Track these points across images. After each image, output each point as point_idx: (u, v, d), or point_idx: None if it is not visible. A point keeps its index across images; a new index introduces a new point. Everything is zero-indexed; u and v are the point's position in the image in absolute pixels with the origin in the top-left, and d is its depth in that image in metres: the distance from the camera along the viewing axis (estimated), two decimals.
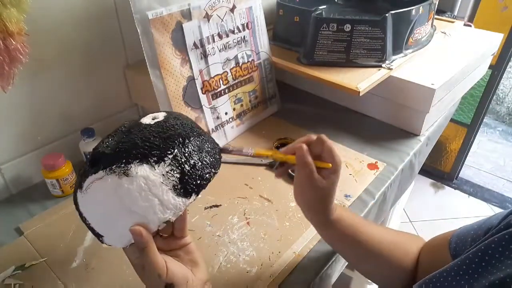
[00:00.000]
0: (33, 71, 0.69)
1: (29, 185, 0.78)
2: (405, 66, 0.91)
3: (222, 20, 0.81)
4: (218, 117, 0.85)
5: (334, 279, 0.70)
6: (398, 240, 0.54)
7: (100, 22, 0.78)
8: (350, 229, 0.52)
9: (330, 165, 0.47)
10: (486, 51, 1.05)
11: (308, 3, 1.01)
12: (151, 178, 0.40)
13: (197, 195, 0.42)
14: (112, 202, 0.40)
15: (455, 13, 1.66)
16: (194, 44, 0.77)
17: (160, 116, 0.45)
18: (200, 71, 0.79)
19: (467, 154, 2.02)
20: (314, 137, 0.48)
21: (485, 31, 1.12)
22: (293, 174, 0.78)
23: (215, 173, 0.44)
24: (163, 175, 0.40)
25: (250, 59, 0.89)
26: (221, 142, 0.87)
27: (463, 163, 2.06)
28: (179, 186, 0.41)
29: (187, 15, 0.75)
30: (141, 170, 0.40)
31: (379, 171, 0.81)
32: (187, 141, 0.43)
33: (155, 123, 0.44)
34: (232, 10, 0.82)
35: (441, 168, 2.13)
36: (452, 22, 1.18)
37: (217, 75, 0.83)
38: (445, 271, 0.39)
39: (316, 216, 0.52)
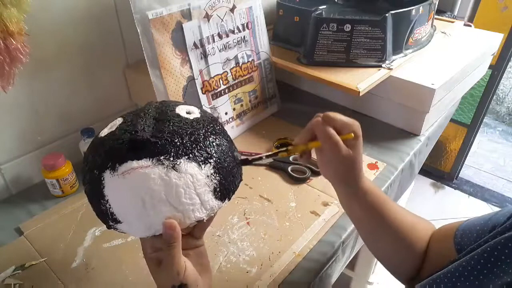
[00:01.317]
0: (33, 71, 0.69)
1: (29, 185, 0.78)
2: (405, 66, 0.91)
3: (222, 20, 0.81)
4: (218, 117, 0.85)
5: (334, 279, 0.70)
6: (417, 223, 0.53)
7: (100, 22, 0.78)
8: (377, 202, 0.51)
9: (352, 134, 0.46)
10: (486, 51, 1.05)
11: (308, 3, 1.01)
12: (198, 177, 0.41)
13: (229, 200, 0.45)
14: (153, 192, 0.39)
15: (455, 13, 1.66)
16: (194, 44, 0.77)
17: (195, 111, 0.47)
18: (200, 71, 0.79)
19: (467, 154, 2.02)
20: (319, 120, 0.47)
21: (485, 31, 1.12)
22: (293, 174, 0.78)
23: (240, 181, 0.47)
24: (207, 176, 0.42)
25: (250, 59, 0.89)
26: None
27: (463, 163, 2.06)
28: (218, 190, 0.43)
29: (187, 15, 0.75)
30: (190, 168, 0.41)
31: (379, 171, 0.81)
32: (228, 147, 0.45)
33: (194, 119, 0.45)
34: (232, 10, 0.82)
35: (441, 168, 2.13)
36: (452, 22, 1.18)
37: (217, 75, 0.83)
38: (449, 272, 0.39)
39: (346, 187, 0.51)
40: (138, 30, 0.68)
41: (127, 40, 0.84)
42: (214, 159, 0.43)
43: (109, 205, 0.41)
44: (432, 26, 1.06)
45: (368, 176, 0.79)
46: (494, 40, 1.08)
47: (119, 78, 0.87)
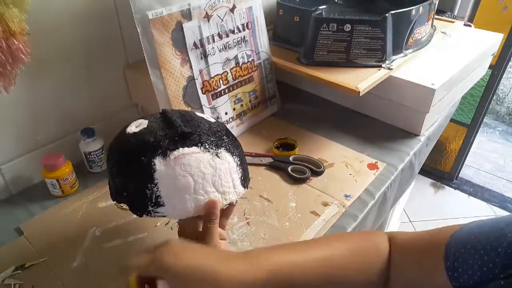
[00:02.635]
0: (33, 71, 0.69)
1: (29, 185, 0.78)
2: (405, 66, 0.91)
3: (222, 20, 0.81)
4: (218, 117, 0.85)
5: None
6: (354, 251, 0.45)
7: (101, 22, 0.78)
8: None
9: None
10: (486, 51, 1.05)
11: (308, 3, 1.01)
12: (232, 165, 0.50)
13: (246, 189, 0.54)
14: (204, 175, 0.47)
15: (455, 13, 1.66)
16: (194, 44, 0.77)
17: (210, 117, 0.57)
18: (200, 71, 0.79)
19: (467, 154, 2.02)
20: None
21: (485, 31, 1.12)
22: (293, 174, 0.78)
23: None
24: (237, 165, 0.51)
25: (250, 59, 0.89)
26: None
27: (463, 163, 2.06)
28: (243, 178, 0.53)
29: (187, 15, 0.75)
30: (228, 156, 0.50)
31: (379, 171, 0.81)
32: (241, 147, 0.56)
33: (214, 122, 0.55)
34: (232, 10, 0.82)
35: (441, 168, 2.13)
36: (452, 22, 1.18)
37: (217, 75, 0.83)
38: None
39: None
40: (138, 30, 0.68)
41: (127, 40, 0.84)
42: (239, 151, 0.53)
43: (157, 188, 0.46)
44: (432, 26, 1.06)
45: (368, 176, 0.79)
46: (494, 40, 1.08)
47: (119, 78, 0.87)
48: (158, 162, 0.46)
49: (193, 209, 0.47)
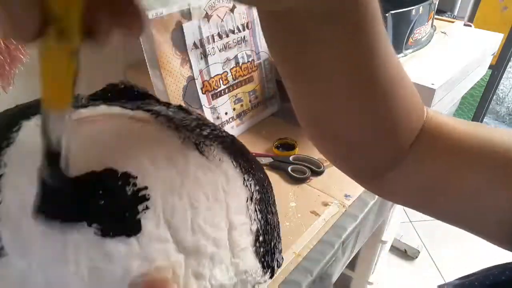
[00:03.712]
0: (33, 71, 0.69)
1: None
2: (405, 66, 0.91)
3: (222, 20, 0.81)
4: (218, 117, 0.85)
5: (334, 279, 0.70)
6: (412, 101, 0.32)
7: None
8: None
9: None
10: (486, 51, 1.05)
11: None
12: (240, 196, 0.28)
13: (269, 278, 0.35)
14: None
15: (455, 13, 1.66)
16: (194, 44, 0.77)
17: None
18: (200, 71, 0.79)
19: None
20: None
21: (485, 31, 1.12)
22: (293, 174, 0.78)
23: None
24: (253, 203, 0.30)
25: (250, 59, 0.89)
26: None
27: None
28: (265, 242, 0.30)
29: (187, 15, 0.75)
30: (228, 168, 0.28)
31: None
32: (269, 183, 0.40)
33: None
34: (232, 10, 0.82)
35: None
36: (452, 22, 1.18)
37: (217, 75, 0.83)
38: None
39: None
40: None
41: (127, 40, 0.84)
42: (261, 183, 0.35)
43: None
44: (432, 26, 1.06)
45: None
46: (494, 40, 1.08)
47: (119, 78, 0.87)
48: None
49: None
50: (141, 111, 0.24)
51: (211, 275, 0.20)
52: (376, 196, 0.75)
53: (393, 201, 0.41)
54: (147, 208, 0.19)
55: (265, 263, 0.24)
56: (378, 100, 0.28)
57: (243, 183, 0.25)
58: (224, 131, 0.30)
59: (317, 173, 0.79)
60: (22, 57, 0.59)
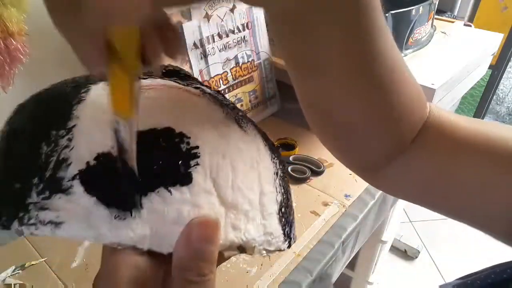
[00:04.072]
0: (33, 71, 0.69)
1: None
2: None
3: (222, 20, 0.81)
4: None
5: (334, 279, 0.70)
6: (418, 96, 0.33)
7: None
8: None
9: None
10: (486, 51, 1.05)
11: None
12: (267, 163, 0.31)
13: (287, 246, 0.33)
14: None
15: (455, 13, 1.67)
16: (194, 44, 0.77)
17: None
18: (200, 71, 0.79)
19: None
20: None
21: (485, 31, 1.12)
22: (293, 174, 0.78)
23: None
24: (277, 175, 0.32)
25: (250, 59, 0.89)
26: None
27: None
28: (284, 210, 0.30)
29: (187, 15, 0.75)
30: (259, 141, 0.31)
31: None
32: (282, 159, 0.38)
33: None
34: (232, 10, 0.82)
35: None
36: (452, 22, 1.18)
37: (217, 75, 0.83)
38: None
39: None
40: None
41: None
42: (280, 159, 0.33)
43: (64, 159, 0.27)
44: (432, 26, 1.06)
45: None
46: (494, 40, 1.08)
47: None
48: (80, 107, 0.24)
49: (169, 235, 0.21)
50: (191, 87, 0.28)
51: (245, 229, 0.24)
52: (376, 196, 0.75)
53: (392, 194, 0.41)
54: (197, 164, 0.23)
55: (285, 232, 0.27)
56: (377, 91, 0.29)
57: (271, 159, 0.28)
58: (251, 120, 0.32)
59: (317, 173, 0.79)
60: (22, 57, 0.59)
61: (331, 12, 0.23)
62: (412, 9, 0.88)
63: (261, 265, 0.60)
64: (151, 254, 0.21)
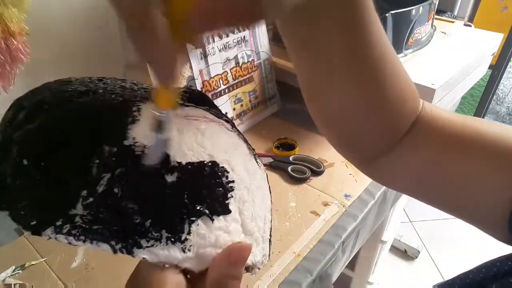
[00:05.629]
0: (33, 71, 0.69)
1: None
2: (405, 66, 0.91)
3: None
4: None
5: (334, 279, 0.71)
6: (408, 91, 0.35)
7: (100, 22, 0.78)
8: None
9: None
10: (486, 51, 1.05)
11: None
12: (267, 193, 0.34)
13: (266, 261, 0.35)
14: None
15: (455, 13, 1.67)
16: None
17: None
18: (200, 71, 0.79)
19: None
20: None
21: (485, 31, 1.12)
22: (293, 174, 0.78)
23: None
24: (270, 200, 0.36)
25: (250, 59, 0.89)
26: None
27: None
28: (271, 232, 0.35)
29: None
30: (262, 173, 0.35)
31: None
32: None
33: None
34: None
35: None
36: (452, 22, 1.18)
37: (217, 75, 0.83)
38: None
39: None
40: None
41: (127, 40, 0.84)
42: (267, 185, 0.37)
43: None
44: (432, 26, 1.06)
45: None
46: (494, 40, 1.08)
47: (119, 78, 0.87)
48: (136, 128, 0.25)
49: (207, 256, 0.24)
50: (223, 119, 0.31)
51: (255, 253, 0.27)
52: (376, 196, 0.75)
53: (386, 185, 0.43)
54: (232, 196, 0.26)
55: (270, 250, 0.31)
56: (370, 79, 0.31)
57: (269, 190, 0.32)
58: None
59: (317, 173, 0.79)
60: (22, 57, 0.59)
61: (331, 9, 0.27)
62: (412, 9, 0.88)
63: None
64: (183, 271, 0.24)
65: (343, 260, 0.72)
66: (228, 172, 0.26)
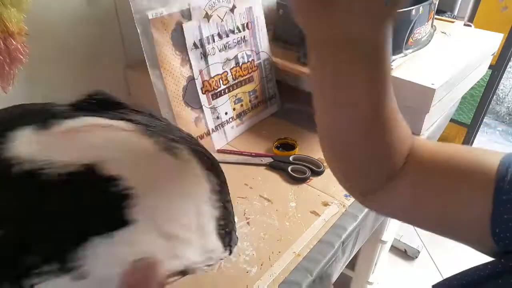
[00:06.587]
0: (33, 71, 0.69)
1: None
2: (405, 66, 0.91)
3: (222, 20, 0.81)
4: (218, 117, 0.85)
5: (334, 279, 0.71)
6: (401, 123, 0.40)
7: (100, 22, 0.78)
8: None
9: None
10: (486, 51, 1.05)
11: None
12: (203, 188, 0.34)
13: (229, 253, 0.36)
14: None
15: (455, 13, 1.66)
16: (194, 44, 0.77)
17: None
18: (200, 71, 0.79)
19: None
20: None
21: (485, 31, 1.12)
22: (293, 174, 0.78)
23: None
24: (215, 194, 0.35)
25: (250, 59, 0.89)
26: (221, 142, 0.87)
27: None
28: (224, 226, 0.35)
29: (187, 15, 0.75)
30: (195, 166, 0.33)
31: None
32: (225, 178, 0.40)
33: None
34: (232, 10, 0.82)
35: None
36: (452, 22, 1.18)
37: (217, 75, 0.83)
38: None
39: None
40: (138, 30, 0.68)
41: (127, 40, 0.84)
42: (220, 177, 0.37)
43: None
44: (432, 26, 1.05)
45: None
46: (494, 40, 1.08)
47: (119, 78, 0.87)
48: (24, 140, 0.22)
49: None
50: (123, 121, 0.28)
51: (185, 256, 0.25)
52: None
53: (380, 214, 0.49)
54: (131, 205, 0.23)
55: (225, 242, 0.29)
56: (381, 128, 0.36)
57: (207, 177, 0.29)
58: (189, 135, 0.33)
59: (317, 173, 0.79)
60: (22, 57, 0.59)
61: (360, 58, 0.32)
62: (412, 9, 0.88)
63: (261, 265, 0.60)
64: None
65: (343, 260, 0.72)
66: (119, 180, 0.23)
